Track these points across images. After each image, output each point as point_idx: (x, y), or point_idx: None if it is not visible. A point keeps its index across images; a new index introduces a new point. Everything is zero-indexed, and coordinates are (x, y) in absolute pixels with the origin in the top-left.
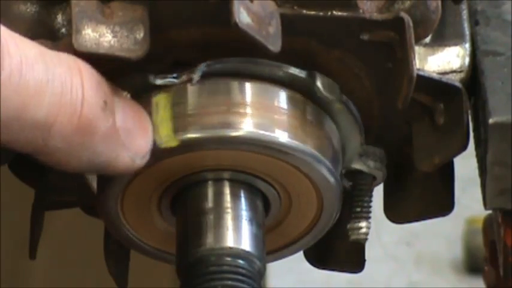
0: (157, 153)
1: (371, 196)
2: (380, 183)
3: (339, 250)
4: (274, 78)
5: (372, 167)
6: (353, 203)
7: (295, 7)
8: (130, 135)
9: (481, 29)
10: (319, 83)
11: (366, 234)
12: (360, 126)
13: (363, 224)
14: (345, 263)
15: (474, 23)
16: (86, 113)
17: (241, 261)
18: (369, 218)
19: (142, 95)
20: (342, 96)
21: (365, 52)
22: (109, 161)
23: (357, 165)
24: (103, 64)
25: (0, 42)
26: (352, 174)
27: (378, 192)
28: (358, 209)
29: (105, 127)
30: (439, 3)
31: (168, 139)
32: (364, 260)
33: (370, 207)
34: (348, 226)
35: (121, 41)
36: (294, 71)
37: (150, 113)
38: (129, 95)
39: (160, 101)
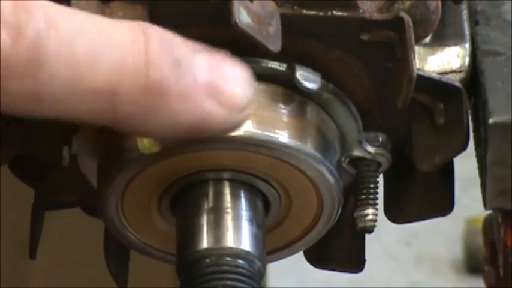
0: (142, 160)
1: (376, 183)
2: (386, 168)
3: (339, 250)
4: (257, 74)
5: (373, 152)
6: (358, 190)
7: (295, 7)
8: (220, 90)
9: (481, 29)
10: (298, 75)
11: (373, 221)
12: (353, 113)
13: (369, 211)
14: (345, 263)
15: (474, 23)
16: (153, 74)
17: (241, 261)
18: (375, 205)
19: None
20: (329, 85)
21: (365, 52)
22: (198, 120)
23: (357, 153)
24: None
25: (46, 13)
26: (355, 162)
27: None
28: (363, 196)
29: (179, 86)
30: (439, 3)
31: (150, 145)
32: (364, 260)
33: (376, 193)
34: (355, 214)
35: None
36: (274, 64)
37: None
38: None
39: None
